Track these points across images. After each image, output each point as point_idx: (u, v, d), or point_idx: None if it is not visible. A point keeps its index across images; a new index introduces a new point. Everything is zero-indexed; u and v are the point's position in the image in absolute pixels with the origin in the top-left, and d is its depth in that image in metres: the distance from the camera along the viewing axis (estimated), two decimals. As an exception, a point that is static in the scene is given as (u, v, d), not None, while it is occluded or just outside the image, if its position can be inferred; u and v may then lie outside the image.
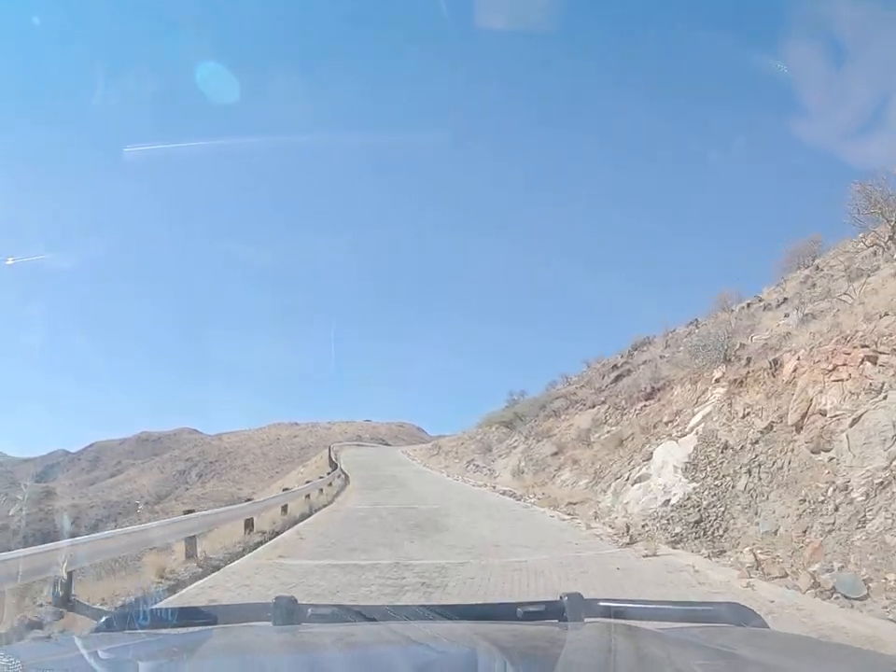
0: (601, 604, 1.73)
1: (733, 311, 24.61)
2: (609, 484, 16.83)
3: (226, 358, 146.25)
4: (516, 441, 31.24)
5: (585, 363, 38.35)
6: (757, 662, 1.32)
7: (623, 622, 1.63)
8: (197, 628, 1.73)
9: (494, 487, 25.48)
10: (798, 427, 10.47)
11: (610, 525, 13.14)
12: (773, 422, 11.33)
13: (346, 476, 31.56)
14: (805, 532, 8.75)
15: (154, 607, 2.08)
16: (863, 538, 7.78)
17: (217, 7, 77.43)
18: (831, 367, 10.25)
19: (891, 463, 8.29)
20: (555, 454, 25.15)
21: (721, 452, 12.31)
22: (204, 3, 77.65)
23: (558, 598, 1.74)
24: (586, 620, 1.65)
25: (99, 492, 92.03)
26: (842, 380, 9.91)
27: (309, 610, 1.74)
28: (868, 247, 18.94)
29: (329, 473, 28.44)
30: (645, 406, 22.08)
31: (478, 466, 32.92)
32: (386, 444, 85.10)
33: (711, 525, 10.81)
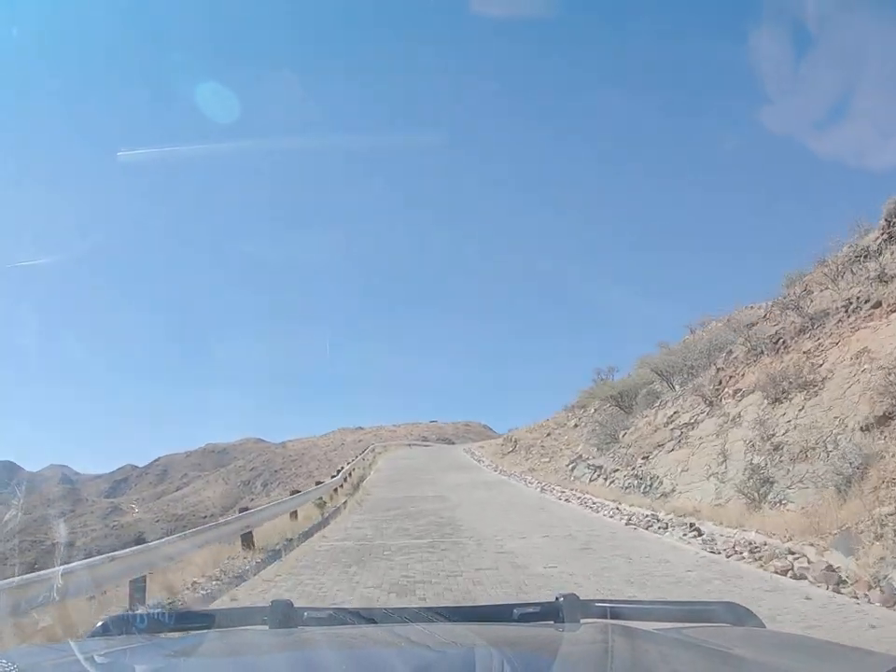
0: (597, 605, 1.57)
1: None
2: None
3: (292, 367, 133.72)
4: (693, 412, 13.66)
5: (688, 328, 25.48)
6: (754, 661, 1.22)
7: (619, 622, 1.47)
8: (193, 632, 1.62)
9: (714, 547, 8.18)
10: None
11: None
12: None
13: (348, 500, 15.02)
14: None
15: (151, 611, 1.65)
16: None
17: (209, 12, 65.62)
18: None
19: None
20: (887, 418, 7.80)
21: None
22: (197, 7, 65.89)
23: (554, 599, 1.57)
24: (582, 621, 1.51)
25: (164, 505, 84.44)
26: None
27: (305, 613, 1.60)
28: None
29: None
30: None
31: (600, 469, 15.71)
32: (451, 443, 71.30)
33: None
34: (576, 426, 27.40)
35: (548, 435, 28.77)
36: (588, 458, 17.64)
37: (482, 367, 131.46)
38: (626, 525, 10.04)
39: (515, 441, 31.12)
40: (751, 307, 21.45)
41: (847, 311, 11.65)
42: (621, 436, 16.94)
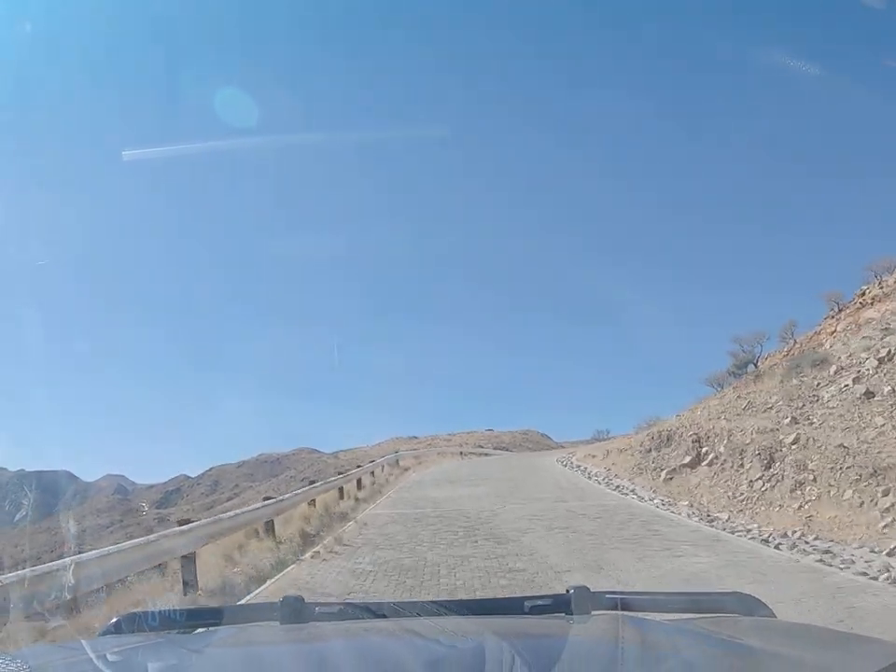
0: (608, 596, 1.44)
1: None
2: None
3: (347, 376, 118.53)
4: None
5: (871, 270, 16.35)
6: (764, 651, 1.12)
7: (629, 613, 1.34)
8: (205, 629, 1.51)
9: None
10: None
11: None
12: None
13: None
14: None
15: (162, 609, 1.47)
16: None
17: (211, 9, 53.65)
18: None
19: None
20: None
21: None
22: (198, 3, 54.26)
23: (565, 591, 1.43)
24: (593, 612, 1.38)
25: (213, 516, 71.58)
26: None
27: (317, 609, 1.47)
28: None
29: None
30: None
31: None
32: (508, 451, 58.61)
33: None
34: None
35: (810, 424, 10.86)
36: None
37: (533, 375, 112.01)
38: None
39: (699, 442, 13.13)
40: None
41: None
42: None
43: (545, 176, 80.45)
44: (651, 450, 15.49)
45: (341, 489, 15.02)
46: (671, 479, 12.70)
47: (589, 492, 13.88)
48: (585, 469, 18.23)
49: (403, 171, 79.69)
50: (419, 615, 1.37)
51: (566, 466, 20.34)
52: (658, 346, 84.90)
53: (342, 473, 17.25)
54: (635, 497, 12.31)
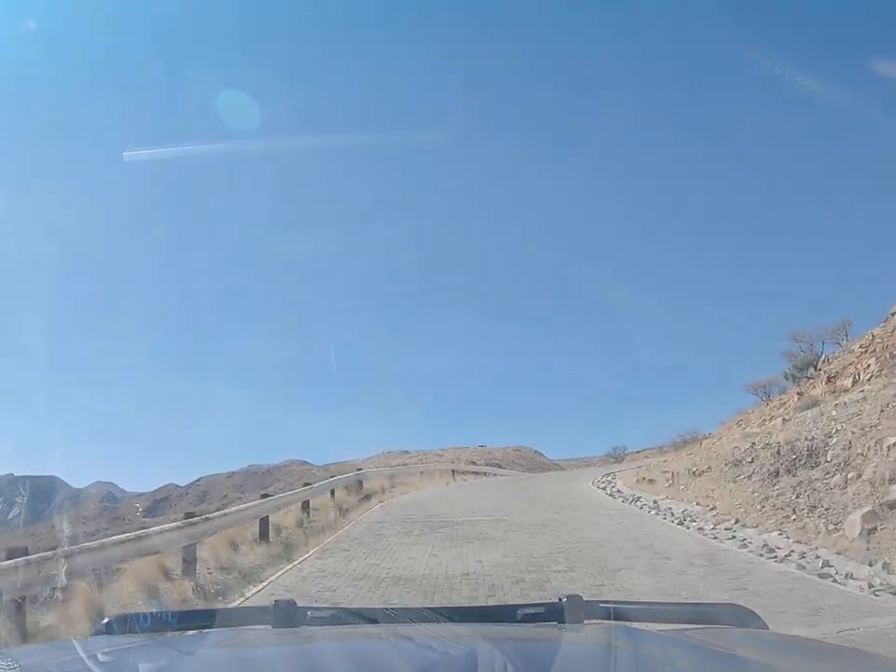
0: (601, 605, 1.38)
1: None
2: None
3: (340, 389, 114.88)
4: None
5: None
6: (757, 663, 1.11)
7: (622, 623, 1.31)
8: (196, 631, 1.47)
9: None
10: None
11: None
12: None
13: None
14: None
15: (154, 610, 1.51)
16: None
17: (208, 10, 52.90)
18: None
19: None
20: None
21: None
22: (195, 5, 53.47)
23: (557, 600, 1.38)
24: (586, 622, 1.33)
25: None
26: None
27: (309, 613, 1.43)
28: None
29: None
30: None
31: None
32: (500, 467, 57.97)
33: None
34: None
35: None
36: None
37: (525, 390, 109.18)
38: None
39: None
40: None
41: None
42: None
43: (552, 184, 78.67)
44: (777, 473, 10.47)
45: (189, 552, 7.38)
46: (874, 531, 7.27)
47: (755, 581, 6.38)
48: (655, 503, 13.02)
49: (403, 177, 77.37)
50: (411, 621, 1.35)
51: (613, 496, 16.01)
52: (655, 357, 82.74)
53: (189, 516, 8.38)
54: (870, 593, 5.80)
